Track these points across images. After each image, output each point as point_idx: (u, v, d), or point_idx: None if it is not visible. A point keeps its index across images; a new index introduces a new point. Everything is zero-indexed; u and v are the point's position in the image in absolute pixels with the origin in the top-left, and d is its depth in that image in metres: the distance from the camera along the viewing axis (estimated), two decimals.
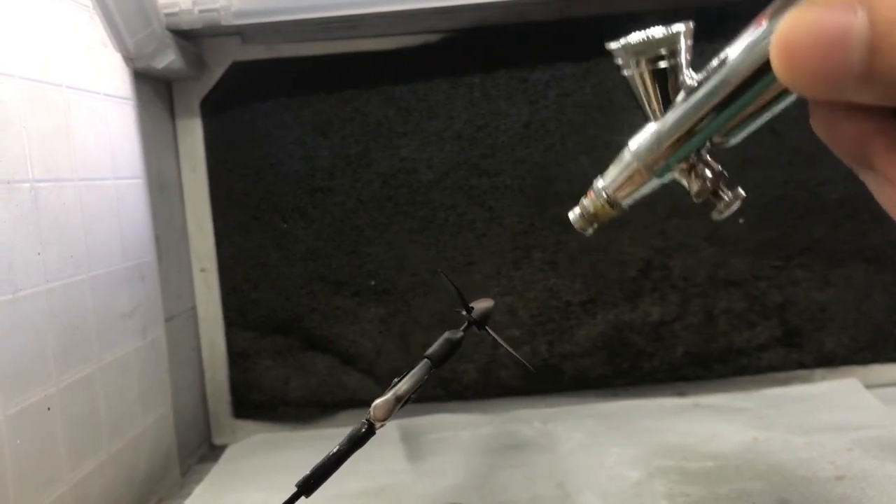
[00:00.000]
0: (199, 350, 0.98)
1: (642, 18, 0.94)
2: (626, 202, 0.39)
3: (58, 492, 0.63)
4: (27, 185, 0.62)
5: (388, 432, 0.91)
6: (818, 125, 0.28)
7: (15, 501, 0.57)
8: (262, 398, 0.98)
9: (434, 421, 0.92)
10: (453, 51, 0.94)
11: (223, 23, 0.83)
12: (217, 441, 0.99)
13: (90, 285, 0.70)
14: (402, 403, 0.55)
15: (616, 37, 0.35)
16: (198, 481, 0.84)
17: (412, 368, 0.56)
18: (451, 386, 0.97)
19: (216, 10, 0.83)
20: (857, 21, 0.23)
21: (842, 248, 0.95)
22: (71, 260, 0.68)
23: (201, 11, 0.82)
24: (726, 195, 0.36)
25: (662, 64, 0.34)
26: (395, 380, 0.55)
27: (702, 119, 0.33)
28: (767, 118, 0.32)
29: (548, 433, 0.86)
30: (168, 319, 0.88)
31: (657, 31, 0.34)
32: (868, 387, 0.91)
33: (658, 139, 0.35)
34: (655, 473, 0.72)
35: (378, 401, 0.55)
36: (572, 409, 0.92)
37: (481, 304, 0.59)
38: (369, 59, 0.94)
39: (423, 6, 0.82)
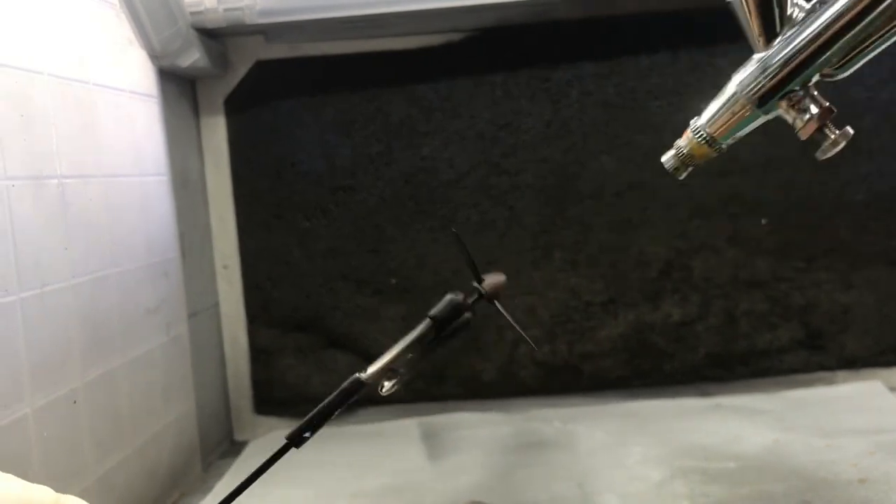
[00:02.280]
0: (221, 346, 0.99)
1: (665, 19, 0.94)
2: (725, 140, 0.37)
3: (83, 484, 0.64)
4: (55, 181, 0.62)
5: (409, 430, 0.91)
6: None
7: None
8: (284, 395, 0.99)
9: (454, 419, 0.92)
10: (476, 50, 0.94)
11: (247, 22, 0.84)
12: (238, 437, 1.00)
13: (115, 281, 0.71)
14: (395, 361, 0.53)
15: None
16: (219, 476, 0.85)
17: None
18: (470, 384, 0.98)
19: (240, 8, 0.83)
20: None
21: (866, 249, 0.94)
22: (96, 256, 0.68)
23: (226, 10, 0.83)
24: (833, 133, 0.33)
25: None
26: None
27: (816, 47, 0.30)
28: (886, 45, 0.29)
29: (568, 433, 0.86)
30: (191, 316, 0.88)
31: None
32: (892, 389, 0.90)
33: (764, 70, 0.33)
34: (676, 474, 0.72)
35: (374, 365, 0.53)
36: (592, 409, 0.92)
37: (493, 279, 0.54)
38: (392, 58, 0.94)
39: (446, 5, 0.82)
